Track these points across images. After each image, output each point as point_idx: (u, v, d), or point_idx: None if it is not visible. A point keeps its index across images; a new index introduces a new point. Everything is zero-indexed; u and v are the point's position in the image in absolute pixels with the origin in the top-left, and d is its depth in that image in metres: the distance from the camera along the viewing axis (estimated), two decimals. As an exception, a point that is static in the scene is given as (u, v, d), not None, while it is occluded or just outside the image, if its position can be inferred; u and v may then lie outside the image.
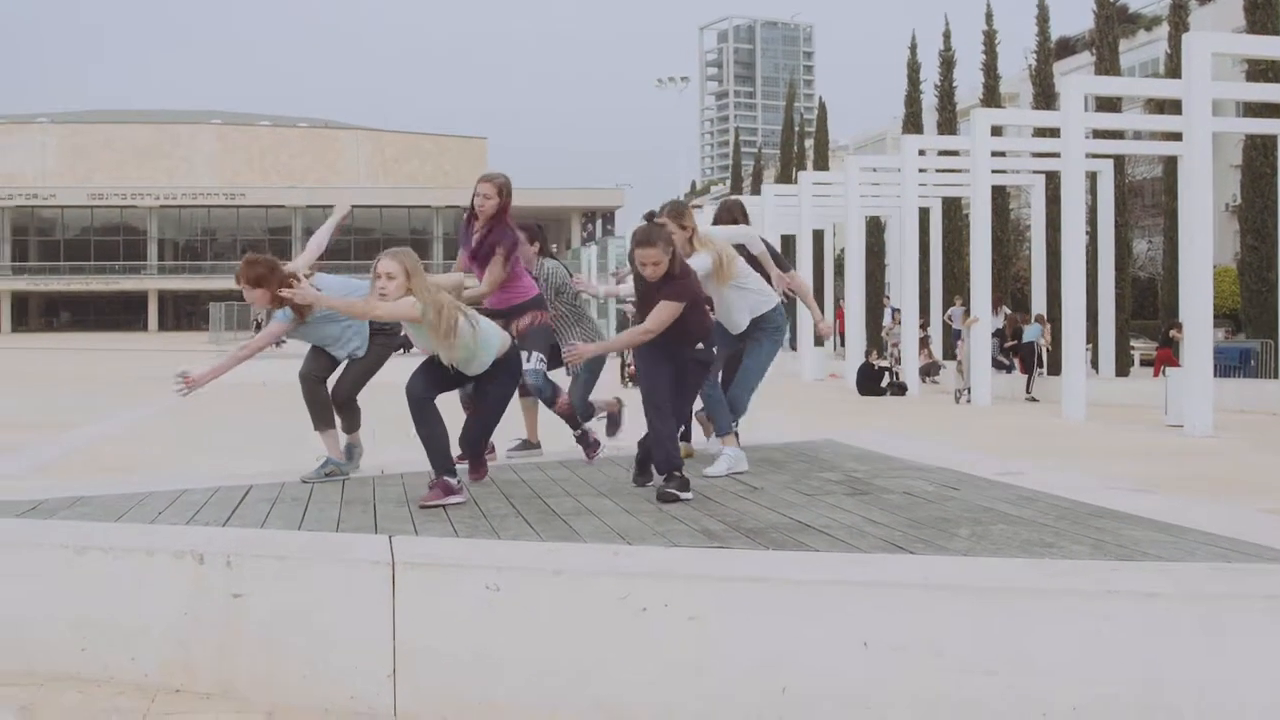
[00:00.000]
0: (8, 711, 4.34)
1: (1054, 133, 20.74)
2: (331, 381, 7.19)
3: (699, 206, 47.67)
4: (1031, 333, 23.97)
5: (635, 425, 8.04)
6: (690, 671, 4.07)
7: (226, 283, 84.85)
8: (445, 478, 5.87)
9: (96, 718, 4.29)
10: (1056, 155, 19.71)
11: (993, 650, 3.84)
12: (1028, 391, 22.69)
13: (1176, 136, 18.67)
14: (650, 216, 6.50)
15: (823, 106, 48.25)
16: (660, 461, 6.13)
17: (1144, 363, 29.59)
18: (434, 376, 6.09)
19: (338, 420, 7.12)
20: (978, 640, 3.85)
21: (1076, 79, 19.12)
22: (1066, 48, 53.91)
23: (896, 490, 6.03)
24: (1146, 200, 40.23)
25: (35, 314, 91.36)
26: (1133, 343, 29.88)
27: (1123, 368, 26.73)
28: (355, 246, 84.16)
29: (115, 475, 9.18)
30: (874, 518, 5.23)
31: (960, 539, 4.70)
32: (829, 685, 3.95)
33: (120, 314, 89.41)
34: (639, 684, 4.12)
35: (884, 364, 24.22)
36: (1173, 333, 23.26)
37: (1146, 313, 35.02)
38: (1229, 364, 22.38)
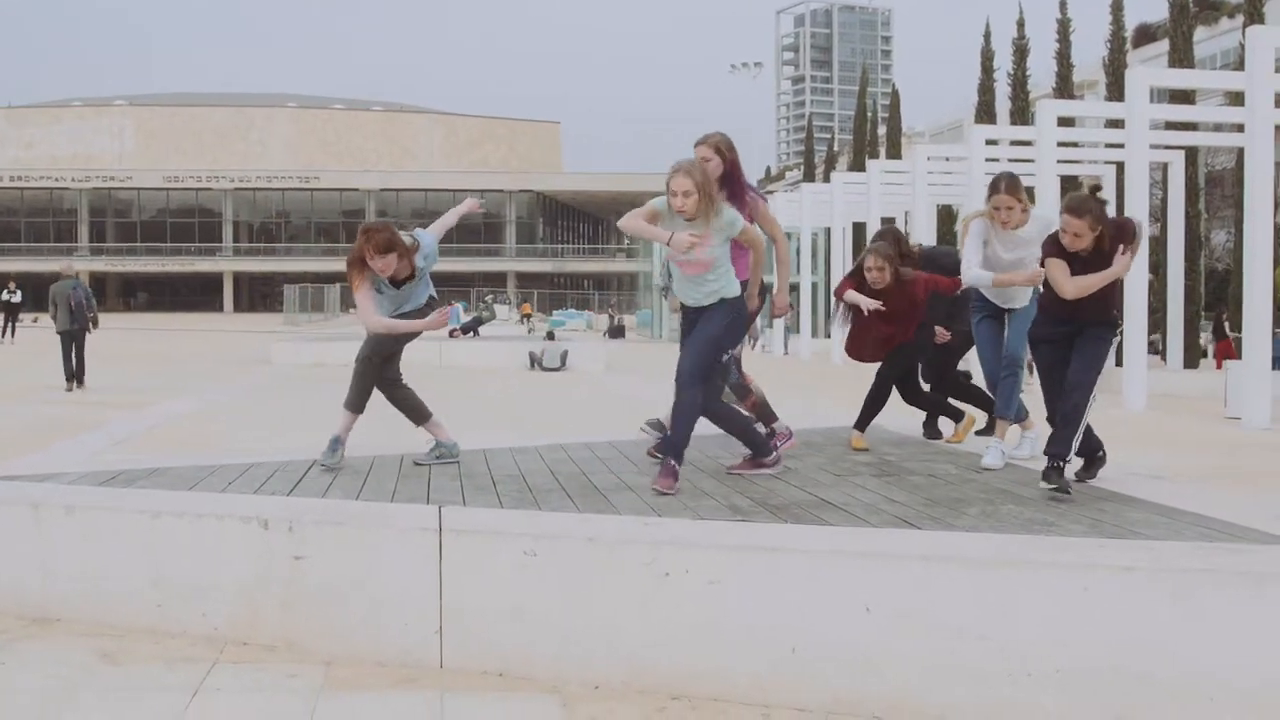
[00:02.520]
0: (93, 656, 4.80)
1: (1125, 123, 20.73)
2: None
3: (771, 193, 47.79)
4: None
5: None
6: (708, 631, 4.42)
7: (301, 265, 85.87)
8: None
9: (172, 665, 4.72)
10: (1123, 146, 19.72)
11: (985, 617, 4.15)
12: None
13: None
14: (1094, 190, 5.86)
15: (895, 94, 48.08)
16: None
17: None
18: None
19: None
20: (971, 608, 4.17)
21: (1141, 71, 19.12)
22: (1146, 35, 53.27)
23: (921, 473, 6.32)
24: (1226, 191, 39.81)
25: (113, 295, 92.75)
26: (1203, 335, 29.65)
27: (1191, 360, 26.57)
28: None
29: (191, 450, 9.70)
30: (894, 497, 5.53)
31: (968, 517, 5.00)
32: (834, 647, 4.29)
33: (196, 295, 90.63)
34: (662, 642, 4.48)
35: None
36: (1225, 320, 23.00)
37: (1222, 304, 34.72)
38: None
